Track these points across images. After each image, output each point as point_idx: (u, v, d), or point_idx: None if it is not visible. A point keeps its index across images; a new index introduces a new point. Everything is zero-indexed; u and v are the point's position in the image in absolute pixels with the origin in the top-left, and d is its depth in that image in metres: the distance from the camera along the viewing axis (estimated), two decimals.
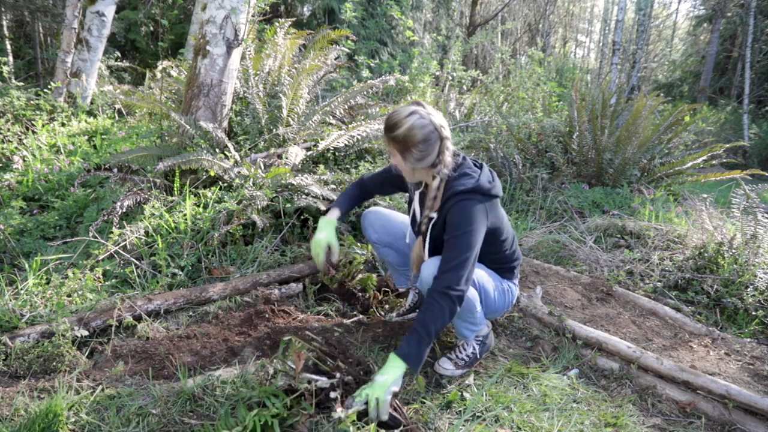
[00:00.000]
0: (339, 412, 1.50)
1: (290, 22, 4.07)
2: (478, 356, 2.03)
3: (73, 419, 1.56)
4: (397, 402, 1.67)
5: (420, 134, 1.74)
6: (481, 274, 1.95)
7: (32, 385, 1.72)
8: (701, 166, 4.77)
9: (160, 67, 4.38)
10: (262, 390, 1.60)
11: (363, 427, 1.54)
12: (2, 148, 3.88)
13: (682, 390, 1.98)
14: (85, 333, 1.98)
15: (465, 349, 2.02)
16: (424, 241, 1.95)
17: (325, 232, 2.05)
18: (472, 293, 1.88)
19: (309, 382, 1.58)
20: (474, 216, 1.78)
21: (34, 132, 4.36)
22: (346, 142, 3.36)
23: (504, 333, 2.36)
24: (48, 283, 2.31)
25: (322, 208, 2.79)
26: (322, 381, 1.60)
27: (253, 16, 3.52)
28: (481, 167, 1.92)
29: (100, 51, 5.86)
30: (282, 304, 2.39)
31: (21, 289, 2.23)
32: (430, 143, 1.76)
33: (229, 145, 3.14)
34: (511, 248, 2.06)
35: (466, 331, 2.00)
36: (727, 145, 4.95)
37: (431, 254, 1.94)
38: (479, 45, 16.23)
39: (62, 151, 4.00)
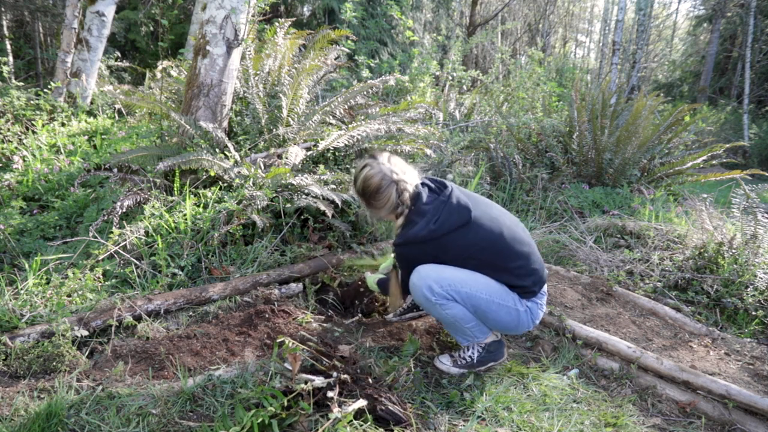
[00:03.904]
0: (336, 411, 1.50)
1: (290, 22, 4.06)
2: (475, 360, 2.00)
3: (73, 419, 1.56)
4: (398, 398, 1.67)
5: (373, 183, 1.90)
6: (476, 289, 1.88)
7: (32, 385, 1.72)
8: (701, 166, 4.77)
9: (160, 67, 4.37)
10: (259, 390, 1.60)
11: (360, 426, 1.54)
12: (2, 148, 3.88)
13: (682, 390, 1.98)
14: (85, 333, 1.98)
15: (466, 351, 2.02)
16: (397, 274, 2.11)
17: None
18: (453, 311, 1.88)
19: (306, 382, 1.58)
20: (405, 263, 1.97)
21: (34, 132, 4.36)
22: (346, 142, 3.36)
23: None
24: (48, 283, 2.31)
25: (322, 208, 2.79)
26: (319, 381, 1.60)
27: (253, 16, 3.52)
28: (434, 204, 1.89)
29: (100, 51, 5.86)
30: (282, 304, 2.39)
31: (21, 289, 2.23)
32: (384, 188, 1.90)
33: (229, 145, 3.14)
34: (507, 262, 1.91)
35: (461, 340, 2.02)
36: (727, 145, 4.95)
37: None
38: (479, 45, 16.23)
39: (62, 151, 4.00)
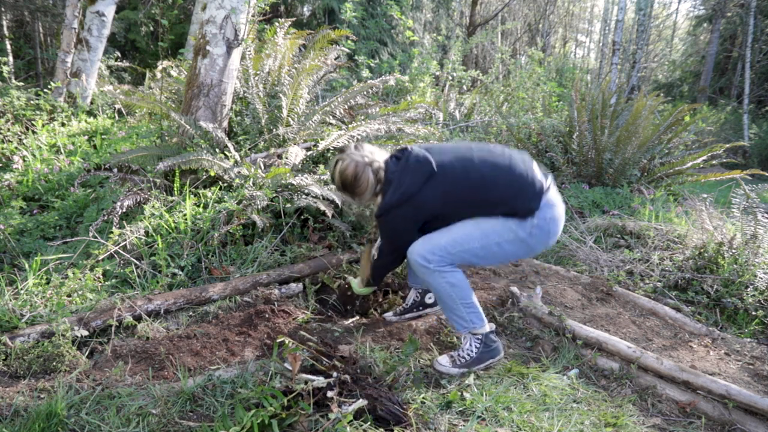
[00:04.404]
0: (336, 411, 1.50)
1: (290, 22, 4.06)
2: (475, 356, 2.00)
3: (73, 419, 1.56)
4: (398, 398, 1.67)
5: (349, 173, 1.95)
6: (468, 241, 1.89)
7: (32, 385, 1.72)
8: (701, 166, 4.77)
9: (160, 67, 4.37)
10: (259, 390, 1.60)
11: (360, 426, 1.54)
12: (2, 148, 3.88)
13: (682, 390, 1.98)
14: (85, 333, 1.98)
15: (464, 348, 2.02)
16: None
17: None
18: (452, 278, 1.92)
19: (306, 382, 1.59)
20: (389, 233, 2.05)
21: (34, 132, 4.36)
22: (346, 142, 3.36)
23: (504, 333, 2.36)
24: (48, 283, 2.31)
25: (322, 208, 2.79)
26: (319, 381, 1.60)
27: (253, 16, 3.52)
28: (398, 170, 1.93)
29: (100, 51, 5.86)
30: (282, 304, 2.39)
31: (21, 289, 2.23)
32: (361, 174, 1.95)
33: (229, 145, 3.14)
34: (487, 194, 1.88)
35: (458, 326, 2.02)
36: (727, 145, 4.96)
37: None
38: (479, 45, 16.23)
39: (62, 151, 4.00)
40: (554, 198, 1.95)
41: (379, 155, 2.01)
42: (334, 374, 1.67)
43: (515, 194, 1.88)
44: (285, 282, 2.61)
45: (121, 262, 2.50)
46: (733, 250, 2.85)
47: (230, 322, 2.22)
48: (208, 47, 3.20)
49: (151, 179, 3.05)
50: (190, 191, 2.83)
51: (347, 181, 1.97)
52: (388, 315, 2.47)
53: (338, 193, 2.11)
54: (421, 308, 2.45)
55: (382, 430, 1.56)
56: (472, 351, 2.01)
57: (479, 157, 1.91)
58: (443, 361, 2.03)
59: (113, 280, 2.41)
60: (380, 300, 2.60)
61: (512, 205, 1.88)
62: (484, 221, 1.91)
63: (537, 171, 1.94)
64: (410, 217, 1.94)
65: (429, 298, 2.46)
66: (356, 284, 2.40)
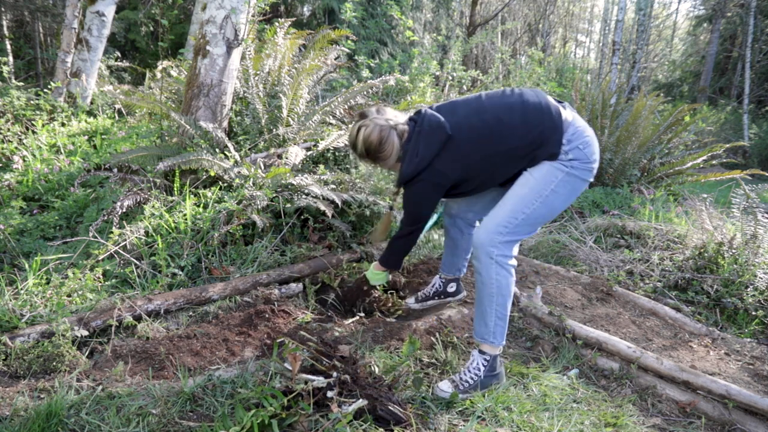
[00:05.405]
0: (336, 411, 1.50)
1: (290, 22, 4.07)
2: (482, 376, 1.87)
3: (73, 419, 1.56)
4: (398, 398, 1.67)
5: (374, 138, 1.88)
6: (524, 205, 1.81)
7: (32, 385, 1.72)
8: (701, 166, 4.77)
9: (160, 67, 4.37)
10: (259, 390, 1.60)
11: (360, 426, 1.54)
12: (2, 148, 3.88)
13: (682, 390, 1.98)
14: (85, 333, 1.98)
15: (469, 368, 1.89)
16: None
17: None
18: (504, 280, 1.82)
19: (306, 382, 1.58)
20: (409, 204, 1.99)
21: (34, 132, 4.36)
22: (346, 142, 3.36)
23: None
24: (48, 283, 2.31)
25: (322, 208, 2.79)
26: (319, 381, 1.60)
27: (253, 16, 3.52)
28: (413, 136, 1.88)
29: (100, 51, 5.86)
30: (282, 304, 2.39)
31: (21, 289, 2.23)
32: (386, 137, 1.88)
33: (229, 145, 3.14)
34: (520, 140, 1.79)
35: (479, 329, 1.90)
36: (727, 145, 4.96)
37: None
38: (479, 45, 16.22)
39: (62, 151, 4.00)
40: (577, 121, 1.85)
41: (402, 119, 1.95)
42: (334, 374, 1.67)
43: (544, 138, 1.79)
44: (285, 282, 2.61)
45: (121, 262, 2.50)
46: (733, 250, 2.85)
47: (230, 322, 2.22)
48: (208, 47, 3.20)
49: (151, 179, 3.05)
50: (190, 191, 2.83)
51: (372, 147, 1.90)
52: (410, 301, 2.47)
53: (359, 160, 2.03)
54: (442, 296, 2.45)
55: (382, 430, 1.56)
56: (478, 371, 1.87)
57: (491, 105, 1.85)
58: (445, 387, 1.85)
59: (113, 280, 2.41)
60: (385, 302, 2.60)
61: (545, 149, 1.79)
62: (523, 179, 1.84)
63: (551, 98, 1.86)
64: (430, 187, 1.89)
65: (451, 287, 2.45)
66: (371, 270, 2.33)
